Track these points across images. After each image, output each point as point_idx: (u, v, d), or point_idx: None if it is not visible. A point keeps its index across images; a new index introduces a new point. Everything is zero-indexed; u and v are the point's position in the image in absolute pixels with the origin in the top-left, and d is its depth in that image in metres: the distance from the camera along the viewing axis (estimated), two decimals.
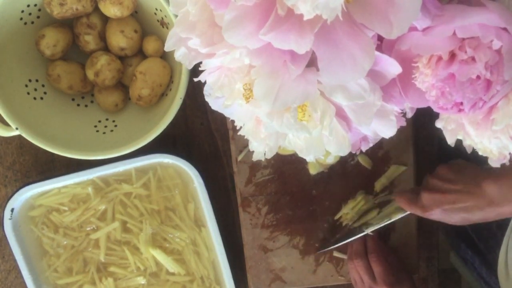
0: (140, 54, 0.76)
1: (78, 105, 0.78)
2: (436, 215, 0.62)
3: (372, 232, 0.77)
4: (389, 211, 0.77)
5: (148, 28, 0.74)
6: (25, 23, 0.72)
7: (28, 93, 0.73)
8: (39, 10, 0.72)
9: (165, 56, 0.74)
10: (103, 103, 0.76)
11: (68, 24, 0.74)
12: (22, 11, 0.70)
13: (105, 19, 0.73)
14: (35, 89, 0.74)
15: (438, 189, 0.63)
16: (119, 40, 0.72)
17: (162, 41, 0.73)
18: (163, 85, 0.72)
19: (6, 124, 0.70)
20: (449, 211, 0.61)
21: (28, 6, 0.70)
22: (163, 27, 0.71)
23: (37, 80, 0.75)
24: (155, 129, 0.69)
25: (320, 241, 0.81)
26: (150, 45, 0.73)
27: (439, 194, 0.62)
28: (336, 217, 0.80)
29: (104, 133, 0.76)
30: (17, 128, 0.69)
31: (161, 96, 0.74)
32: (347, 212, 0.79)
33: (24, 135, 0.70)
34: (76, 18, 0.72)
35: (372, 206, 0.79)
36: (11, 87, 0.71)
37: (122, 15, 0.70)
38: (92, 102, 0.79)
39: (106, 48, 0.75)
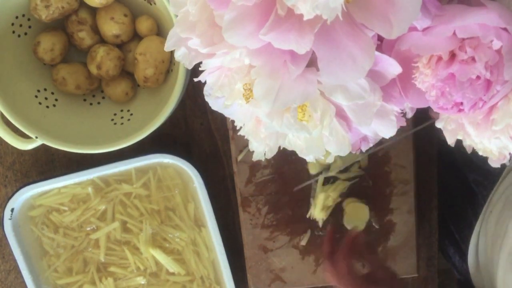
0: (136, 37, 0.76)
1: (91, 104, 0.79)
2: None
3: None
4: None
5: (137, 9, 0.74)
6: (19, 35, 0.72)
7: (40, 103, 0.74)
8: (29, 19, 0.72)
9: (161, 33, 0.75)
10: (113, 95, 0.76)
11: (61, 27, 0.74)
12: (13, 24, 0.71)
13: (93, 11, 0.73)
14: (46, 98, 0.75)
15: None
16: (112, 27, 0.72)
17: (154, 18, 0.73)
18: (165, 61, 0.72)
19: (25, 137, 0.71)
20: None
21: (17, 17, 0.71)
22: (150, 4, 0.72)
23: (45, 89, 0.75)
24: (168, 105, 0.68)
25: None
26: (143, 25, 0.73)
27: None
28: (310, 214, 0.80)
29: (122, 124, 0.76)
30: (37, 137, 0.70)
31: (167, 73, 0.74)
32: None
33: (45, 142, 0.70)
34: (66, 18, 0.73)
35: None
36: (22, 101, 0.72)
37: (108, 2, 0.70)
38: (103, 98, 0.79)
39: (102, 40, 0.75)
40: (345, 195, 0.79)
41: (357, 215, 0.78)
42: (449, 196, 0.89)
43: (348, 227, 0.78)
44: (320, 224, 0.80)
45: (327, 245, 0.77)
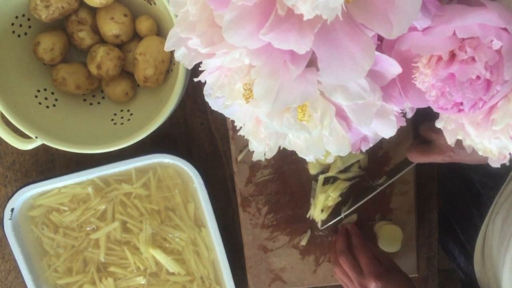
0: (136, 37, 0.76)
1: (91, 104, 0.79)
2: (455, 155, 0.62)
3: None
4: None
5: (137, 9, 0.74)
6: (19, 36, 0.72)
7: (40, 103, 0.74)
8: (28, 19, 0.72)
9: (161, 33, 0.75)
10: (113, 95, 0.76)
11: (61, 27, 0.75)
12: (13, 24, 0.71)
13: (93, 11, 0.74)
14: (46, 98, 0.75)
15: None
16: (112, 27, 0.72)
17: (154, 18, 0.73)
18: (165, 61, 0.72)
19: (25, 137, 0.71)
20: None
21: (17, 17, 0.71)
22: (150, 4, 0.72)
23: (45, 89, 0.75)
24: (168, 105, 0.68)
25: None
26: (143, 25, 0.73)
27: None
28: (310, 214, 0.80)
29: (122, 124, 0.76)
30: (37, 137, 0.70)
31: (167, 74, 0.75)
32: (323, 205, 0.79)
33: (45, 142, 0.70)
34: (66, 18, 0.73)
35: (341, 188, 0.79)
36: (22, 101, 0.72)
37: (108, 2, 0.70)
38: (103, 98, 0.79)
39: (102, 40, 0.75)
40: (345, 195, 0.79)
41: (392, 237, 0.79)
42: (453, 197, 0.88)
43: (385, 249, 0.79)
44: (319, 224, 0.80)
45: (342, 243, 0.76)
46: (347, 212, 0.78)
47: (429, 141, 0.67)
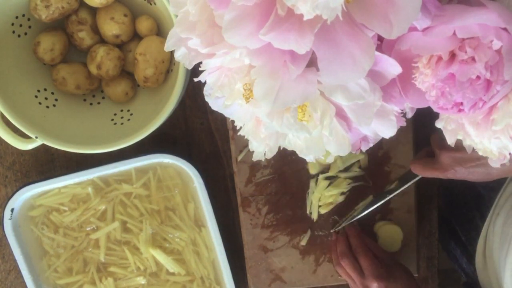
0: (136, 37, 0.76)
1: (91, 104, 0.79)
2: (457, 173, 0.61)
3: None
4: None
5: (137, 9, 0.74)
6: (19, 36, 0.72)
7: (40, 103, 0.74)
8: (29, 19, 0.72)
9: (161, 33, 0.75)
10: (113, 95, 0.76)
11: (61, 27, 0.75)
12: (12, 24, 0.71)
13: (94, 11, 0.74)
14: (46, 98, 0.75)
15: (459, 147, 0.61)
16: (112, 27, 0.72)
17: (154, 18, 0.74)
18: (165, 61, 0.72)
19: (25, 137, 0.71)
20: (471, 168, 0.60)
21: (17, 18, 0.71)
22: (150, 4, 0.72)
23: (45, 89, 0.75)
24: (168, 105, 0.68)
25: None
26: (143, 25, 0.73)
27: (460, 152, 0.61)
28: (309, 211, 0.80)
29: (122, 124, 0.76)
30: (37, 137, 0.70)
31: (167, 74, 0.75)
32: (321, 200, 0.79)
33: (45, 142, 0.70)
34: (66, 18, 0.73)
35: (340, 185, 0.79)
36: (22, 101, 0.72)
37: (108, 2, 0.70)
38: (103, 98, 0.79)
39: (102, 41, 0.75)
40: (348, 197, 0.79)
41: (392, 237, 0.79)
42: (453, 198, 0.88)
43: (385, 249, 0.79)
44: (315, 217, 0.80)
45: (343, 244, 0.77)
46: (358, 217, 0.78)
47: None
